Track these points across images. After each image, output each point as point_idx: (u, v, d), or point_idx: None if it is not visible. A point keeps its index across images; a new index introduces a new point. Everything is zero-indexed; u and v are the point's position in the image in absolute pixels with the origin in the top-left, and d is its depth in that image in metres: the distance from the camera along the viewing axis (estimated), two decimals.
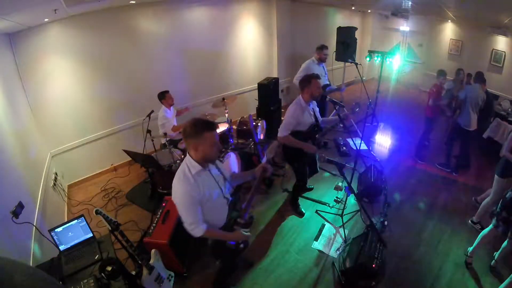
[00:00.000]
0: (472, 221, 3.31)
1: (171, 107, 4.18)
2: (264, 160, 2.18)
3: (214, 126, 1.74)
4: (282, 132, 2.89)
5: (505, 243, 2.58)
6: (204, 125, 1.69)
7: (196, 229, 1.75)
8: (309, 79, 2.89)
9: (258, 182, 2.01)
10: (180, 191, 1.72)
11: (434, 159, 4.64)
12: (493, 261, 2.76)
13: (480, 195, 3.61)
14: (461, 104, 4.15)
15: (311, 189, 4.00)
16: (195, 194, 1.71)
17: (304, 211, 3.58)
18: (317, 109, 3.13)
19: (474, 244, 2.79)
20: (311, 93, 2.88)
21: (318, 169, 3.56)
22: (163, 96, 4.06)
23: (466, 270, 2.78)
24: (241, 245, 2.00)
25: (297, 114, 2.88)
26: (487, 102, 4.20)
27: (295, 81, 4.67)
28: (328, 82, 4.68)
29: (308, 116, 2.96)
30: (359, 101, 3.27)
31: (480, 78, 4.12)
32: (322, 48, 4.45)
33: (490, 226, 2.64)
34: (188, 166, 1.75)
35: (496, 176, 3.07)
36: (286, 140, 2.90)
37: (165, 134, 3.77)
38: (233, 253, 2.13)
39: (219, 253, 2.12)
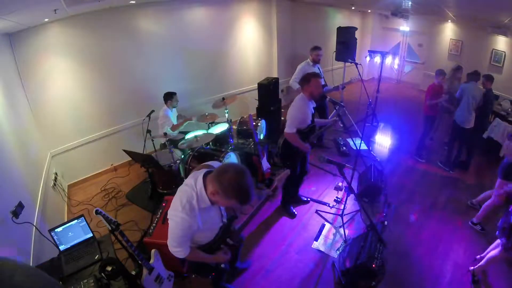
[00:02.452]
0: (472, 222, 3.30)
1: (174, 109, 4.20)
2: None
3: (249, 200, 1.51)
4: (290, 128, 2.83)
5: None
6: (243, 199, 1.48)
7: (179, 253, 1.66)
8: (308, 78, 2.85)
9: (260, 206, 1.95)
10: (178, 218, 1.55)
11: (435, 158, 4.65)
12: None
13: (475, 198, 3.60)
14: (458, 102, 4.16)
15: (307, 201, 3.80)
16: (194, 228, 1.59)
17: (295, 212, 3.54)
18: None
19: (482, 263, 2.68)
20: (311, 92, 2.84)
21: (308, 170, 3.52)
22: (171, 97, 4.08)
23: (466, 270, 2.78)
24: (222, 265, 1.94)
25: (304, 108, 2.84)
26: (485, 100, 4.19)
27: (291, 83, 4.69)
28: (324, 83, 4.69)
29: (309, 113, 2.93)
30: (343, 84, 3.25)
31: (475, 76, 4.10)
32: (315, 49, 4.49)
33: (499, 248, 2.51)
34: (198, 197, 1.57)
35: (499, 179, 3.06)
36: (292, 137, 2.85)
37: (165, 134, 3.77)
38: (214, 271, 2.02)
39: (196, 270, 2.04)
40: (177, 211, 1.56)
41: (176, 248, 1.64)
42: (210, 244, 1.83)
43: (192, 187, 1.58)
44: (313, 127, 3.04)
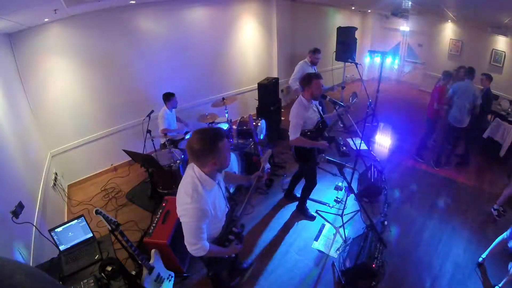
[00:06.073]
0: (494, 209, 3.37)
1: (173, 110, 4.21)
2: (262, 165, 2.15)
3: (223, 134, 1.61)
4: (292, 135, 2.85)
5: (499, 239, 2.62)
6: (214, 137, 1.56)
7: (199, 249, 1.62)
8: (309, 79, 2.87)
9: (253, 190, 1.96)
10: (190, 210, 1.55)
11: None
12: (481, 258, 2.78)
13: (496, 203, 3.49)
14: (450, 101, 4.10)
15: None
16: (207, 215, 1.59)
17: (315, 214, 3.53)
18: (319, 107, 3.12)
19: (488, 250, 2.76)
20: (312, 93, 2.87)
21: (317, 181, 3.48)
22: (168, 98, 4.08)
23: (465, 270, 2.78)
24: (233, 255, 1.98)
25: (301, 113, 2.85)
26: (484, 99, 4.15)
27: (291, 82, 4.70)
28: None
29: (313, 113, 2.95)
30: (356, 91, 3.29)
31: (470, 73, 4.04)
32: (315, 51, 4.53)
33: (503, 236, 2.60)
34: (201, 182, 1.60)
35: None
36: (298, 141, 2.87)
37: (165, 134, 3.78)
38: (225, 264, 2.08)
39: (214, 267, 2.02)
40: (187, 204, 1.57)
41: (196, 245, 1.60)
42: (220, 235, 1.84)
43: (192, 176, 1.62)
44: (323, 123, 3.02)
